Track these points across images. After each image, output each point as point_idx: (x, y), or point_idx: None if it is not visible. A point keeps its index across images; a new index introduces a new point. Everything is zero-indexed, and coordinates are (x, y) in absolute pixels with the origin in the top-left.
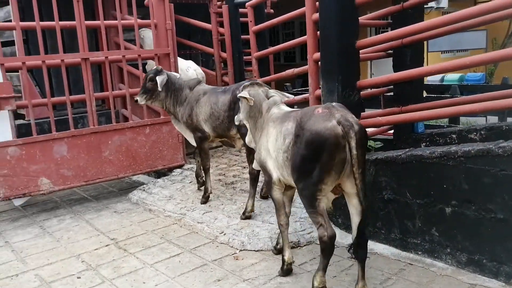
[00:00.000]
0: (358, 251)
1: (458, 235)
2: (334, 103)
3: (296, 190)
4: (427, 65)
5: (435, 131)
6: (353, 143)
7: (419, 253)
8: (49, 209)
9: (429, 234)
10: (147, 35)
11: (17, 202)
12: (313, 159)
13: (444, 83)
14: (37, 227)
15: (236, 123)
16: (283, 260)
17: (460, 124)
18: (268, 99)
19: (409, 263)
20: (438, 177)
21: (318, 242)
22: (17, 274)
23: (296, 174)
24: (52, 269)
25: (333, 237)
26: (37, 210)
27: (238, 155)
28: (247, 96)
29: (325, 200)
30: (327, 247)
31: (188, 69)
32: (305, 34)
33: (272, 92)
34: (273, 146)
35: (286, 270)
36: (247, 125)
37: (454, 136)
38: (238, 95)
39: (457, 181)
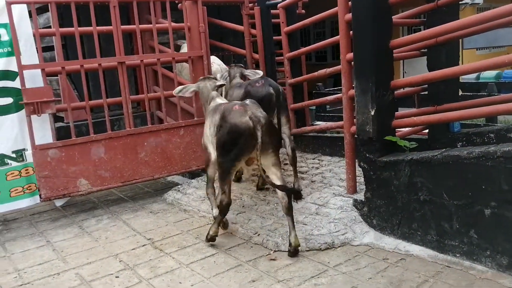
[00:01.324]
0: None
1: (498, 237)
2: (247, 101)
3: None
4: (462, 62)
5: (471, 130)
6: (259, 133)
7: (457, 255)
8: (87, 209)
9: (467, 236)
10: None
11: (58, 203)
12: (233, 143)
13: (480, 80)
14: (76, 227)
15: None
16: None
17: (498, 123)
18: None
19: (447, 266)
20: (476, 178)
21: (353, 244)
22: (58, 273)
23: (218, 152)
24: (91, 268)
25: (229, 203)
26: (76, 210)
27: None
28: (183, 89)
29: (246, 172)
30: (223, 209)
31: (213, 64)
32: (337, 33)
33: (220, 83)
34: (209, 133)
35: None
36: None
37: (492, 135)
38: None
39: (496, 182)
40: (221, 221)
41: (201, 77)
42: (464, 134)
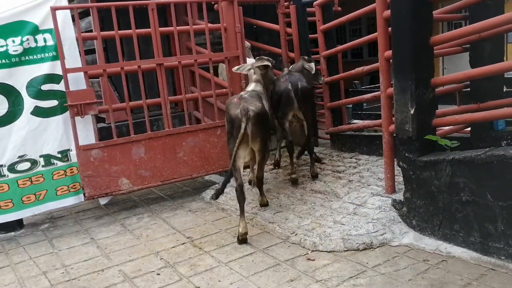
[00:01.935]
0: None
1: None
2: (246, 95)
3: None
4: (507, 58)
5: None
6: (243, 125)
7: (502, 258)
8: (128, 207)
9: None
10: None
11: (103, 201)
12: (230, 132)
13: None
14: (118, 225)
15: None
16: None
17: None
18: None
19: (491, 268)
20: None
21: (392, 244)
22: (102, 269)
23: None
24: (134, 265)
25: (241, 185)
26: (118, 208)
27: (307, 155)
28: (241, 67)
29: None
30: (238, 193)
31: None
32: (374, 30)
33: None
34: None
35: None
36: None
37: None
38: None
39: None
40: (243, 213)
41: (257, 57)
42: (509, 132)
